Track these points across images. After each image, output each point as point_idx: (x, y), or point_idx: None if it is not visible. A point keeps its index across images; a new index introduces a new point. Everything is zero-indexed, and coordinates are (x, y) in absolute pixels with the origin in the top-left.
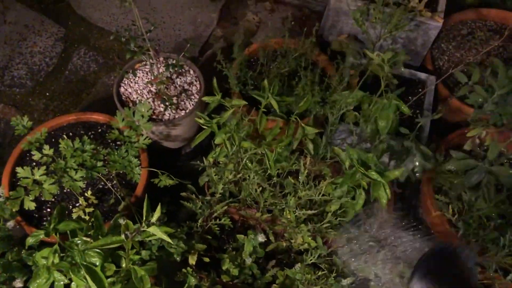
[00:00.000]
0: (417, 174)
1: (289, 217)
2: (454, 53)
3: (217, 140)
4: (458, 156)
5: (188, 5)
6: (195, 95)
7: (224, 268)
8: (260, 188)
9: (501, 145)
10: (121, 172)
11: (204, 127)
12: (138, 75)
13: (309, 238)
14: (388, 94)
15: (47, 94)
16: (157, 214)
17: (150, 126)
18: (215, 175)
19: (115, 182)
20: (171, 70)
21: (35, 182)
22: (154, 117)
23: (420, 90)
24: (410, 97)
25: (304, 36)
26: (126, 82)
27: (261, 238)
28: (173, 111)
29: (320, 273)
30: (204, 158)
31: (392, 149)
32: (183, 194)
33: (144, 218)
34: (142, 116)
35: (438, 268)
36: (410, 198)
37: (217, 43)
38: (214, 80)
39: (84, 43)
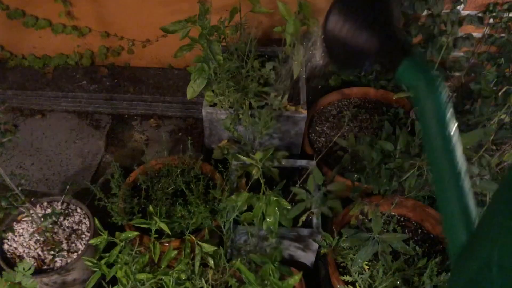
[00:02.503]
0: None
1: None
2: (330, 133)
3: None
4: (349, 233)
5: (72, 138)
6: (86, 233)
7: None
8: None
9: (387, 211)
10: None
11: (94, 269)
12: (22, 226)
13: None
14: (267, 192)
15: None
16: None
17: (35, 285)
18: None
19: None
20: (53, 218)
21: None
22: (45, 267)
23: (304, 175)
24: (297, 185)
25: (192, 147)
26: (9, 237)
27: None
28: (64, 257)
29: None
30: None
31: (292, 239)
32: None
33: None
34: (25, 275)
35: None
36: (326, 280)
37: (107, 169)
38: (96, 221)
39: None
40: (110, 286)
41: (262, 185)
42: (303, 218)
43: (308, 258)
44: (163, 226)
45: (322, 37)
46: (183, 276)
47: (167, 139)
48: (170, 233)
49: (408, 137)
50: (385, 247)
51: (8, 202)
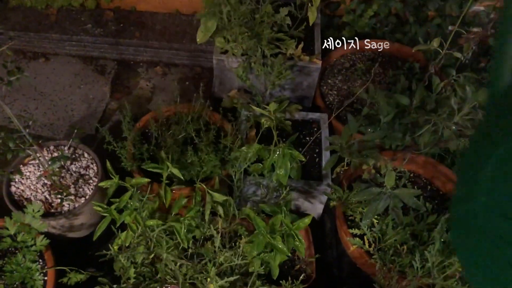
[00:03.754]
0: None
1: (212, 287)
2: (342, 86)
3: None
4: (361, 187)
5: (77, 83)
6: (93, 179)
7: None
8: (178, 264)
9: (398, 166)
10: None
11: (104, 214)
12: (29, 169)
13: None
14: (280, 144)
15: None
16: None
17: (44, 226)
18: (126, 260)
19: None
20: (61, 162)
21: None
22: (52, 210)
23: (315, 129)
24: (307, 138)
25: (202, 95)
26: (17, 179)
27: None
28: (72, 201)
29: None
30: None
31: (301, 192)
32: None
33: None
34: (34, 217)
35: None
36: (331, 233)
37: (113, 116)
38: (108, 163)
39: None
40: (119, 232)
41: (275, 137)
42: (338, 169)
43: (315, 210)
44: (175, 171)
45: None
46: (194, 224)
47: (174, 87)
48: (182, 178)
49: (424, 92)
50: (396, 202)
51: (15, 143)
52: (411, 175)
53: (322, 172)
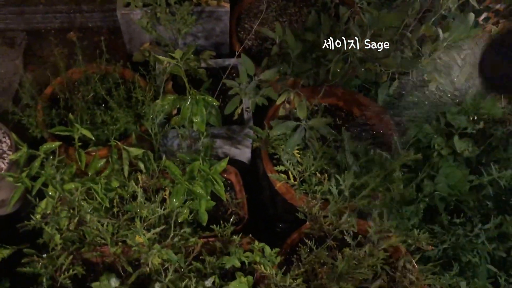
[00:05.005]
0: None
1: (141, 241)
2: (259, 30)
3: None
4: (278, 122)
5: None
6: (8, 153)
7: None
8: (105, 224)
9: (314, 101)
10: None
11: (17, 184)
12: None
13: (165, 255)
14: (192, 91)
15: None
16: None
17: None
18: (51, 228)
19: None
20: None
21: None
22: None
23: (234, 75)
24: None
25: (106, 52)
26: None
27: (114, 282)
28: None
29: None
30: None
31: (225, 138)
32: (24, 260)
33: None
34: None
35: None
36: (264, 175)
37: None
38: (13, 135)
39: None
40: (37, 200)
41: (186, 84)
42: (239, 111)
43: (243, 155)
44: (86, 132)
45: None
46: (115, 184)
47: (91, 51)
48: (94, 139)
49: (330, 21)
50: (312, 133)
51: None
52: (332, 108)
53: (243, 116)
